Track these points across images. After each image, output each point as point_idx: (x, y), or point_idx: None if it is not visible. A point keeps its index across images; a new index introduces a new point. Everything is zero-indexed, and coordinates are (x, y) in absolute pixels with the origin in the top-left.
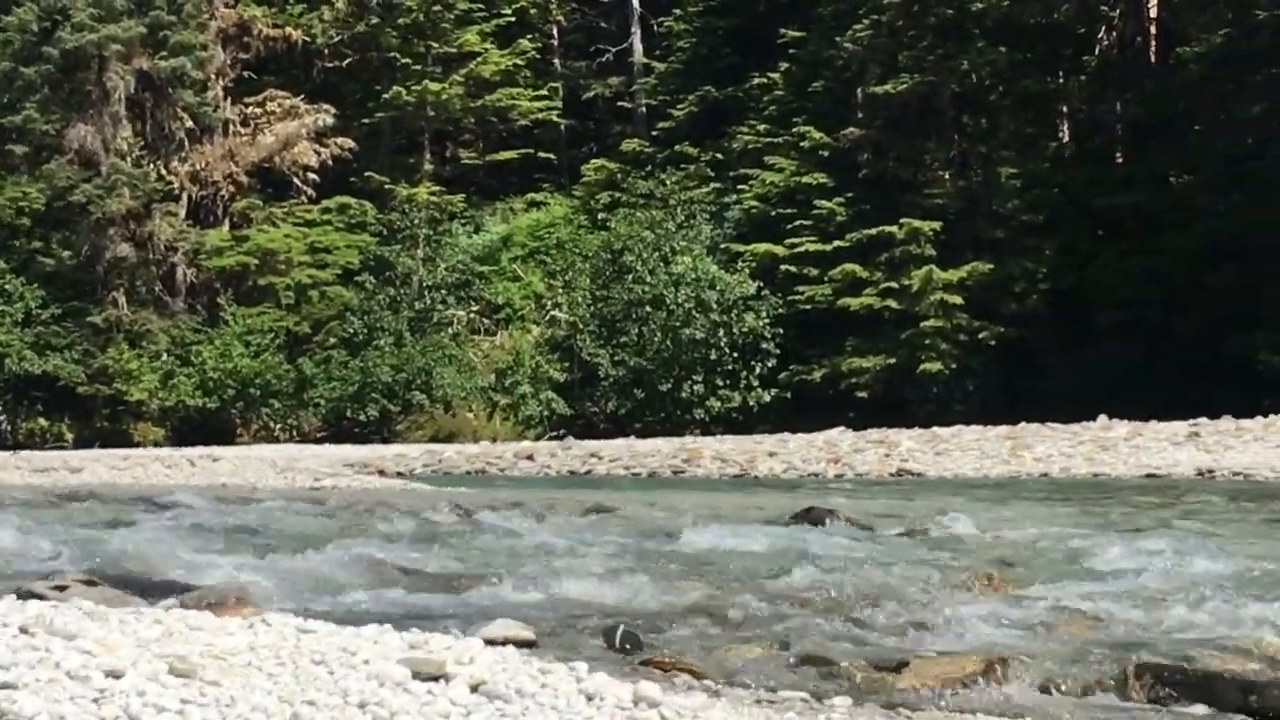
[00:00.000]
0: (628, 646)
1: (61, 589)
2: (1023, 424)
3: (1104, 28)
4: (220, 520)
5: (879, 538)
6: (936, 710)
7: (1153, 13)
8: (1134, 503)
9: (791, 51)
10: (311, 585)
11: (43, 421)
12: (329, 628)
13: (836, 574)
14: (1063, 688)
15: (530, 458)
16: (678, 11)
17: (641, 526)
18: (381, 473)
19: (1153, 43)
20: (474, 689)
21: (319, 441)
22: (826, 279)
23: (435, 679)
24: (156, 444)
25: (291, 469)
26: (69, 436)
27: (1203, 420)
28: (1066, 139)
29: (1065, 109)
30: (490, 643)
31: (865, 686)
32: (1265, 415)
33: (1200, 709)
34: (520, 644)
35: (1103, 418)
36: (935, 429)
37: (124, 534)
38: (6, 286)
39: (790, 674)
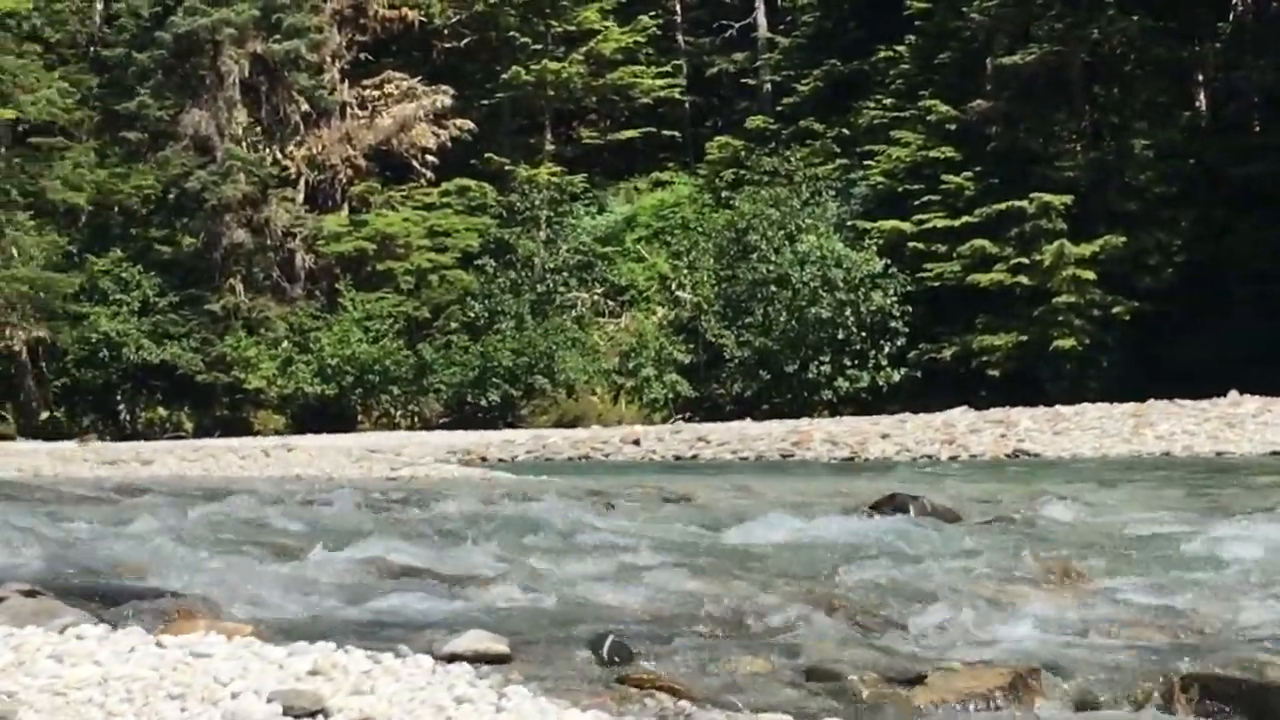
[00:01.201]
0: (616, 659)
1: None
2: (1150, 401)
3: None
4: (252, 515)
5: (961, 526)
6: None
7: None
8: (1253, 484)
9: (918, 23)
10: (300, 589)
11: (161, 411)
12: (236, 649)
13: (892, 570)
14: (1100, 702)
15: (636, 442)
16: None
17: (708, 517)
18: (483, 459)
19: None
20: None
21: (441, 428)
22: (955, 255)
23: (312, 714)
24: (277, 431)
25: (368, 459)
26: (188, 425)
27: None
28: (1202, 108)
29: (1200, 77)
30: (454, 658)
31: (872, 704)
32: None
33: None
34: (490, 659)
35: (1233, 393)
36: (1058, 407)
37: (139, 532)
38: (124, 275)
39: (789, 690)
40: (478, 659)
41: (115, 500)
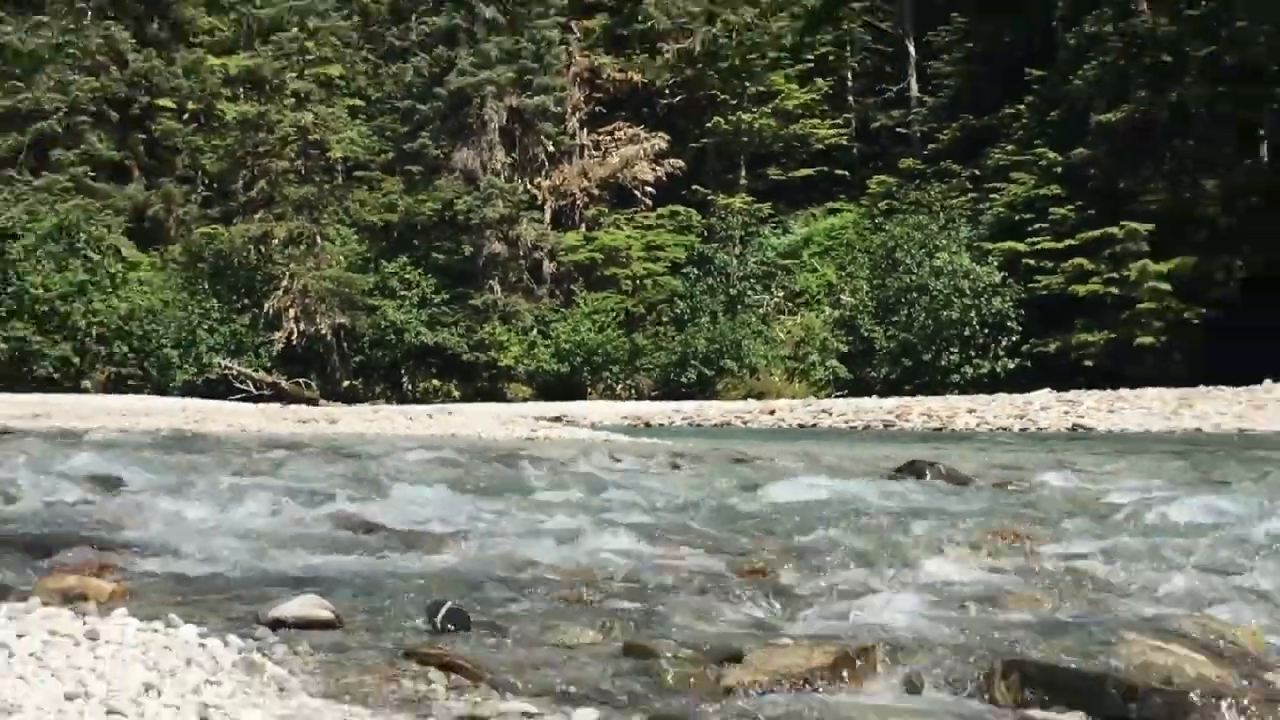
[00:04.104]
0: (450, 626)
1: None
2: (1201, 387)
3: None
4: (320, 470)
5: (961, 491)
6: None
7: None
8: (1253, 458)
9: (1034, 87)
10: (247, 544)
11: (435, 382)
12: None
13: (855, 531)
14: (922, 685)
15: (772, 413)
16: (945, 58)
17: (751, 478)
18: (646, 424)
19: None
20: None
21: (652, 399)
22: (1059, 270)
23: None
24: (524, 400)
25: (514, 422)
26: (456, 394)
27: None
28: (1264, 157)
29: (1262, 132)
30: (278, 624)
31: (676, 686)
32: None
33: (1072, 716)
34: (316, 625)
35: (1267, 381)
36: (1122, 390)
37: (189, 485)
38: (408, 276)
39: (592, 668)
40: (301, 625)
41: (260, 452)
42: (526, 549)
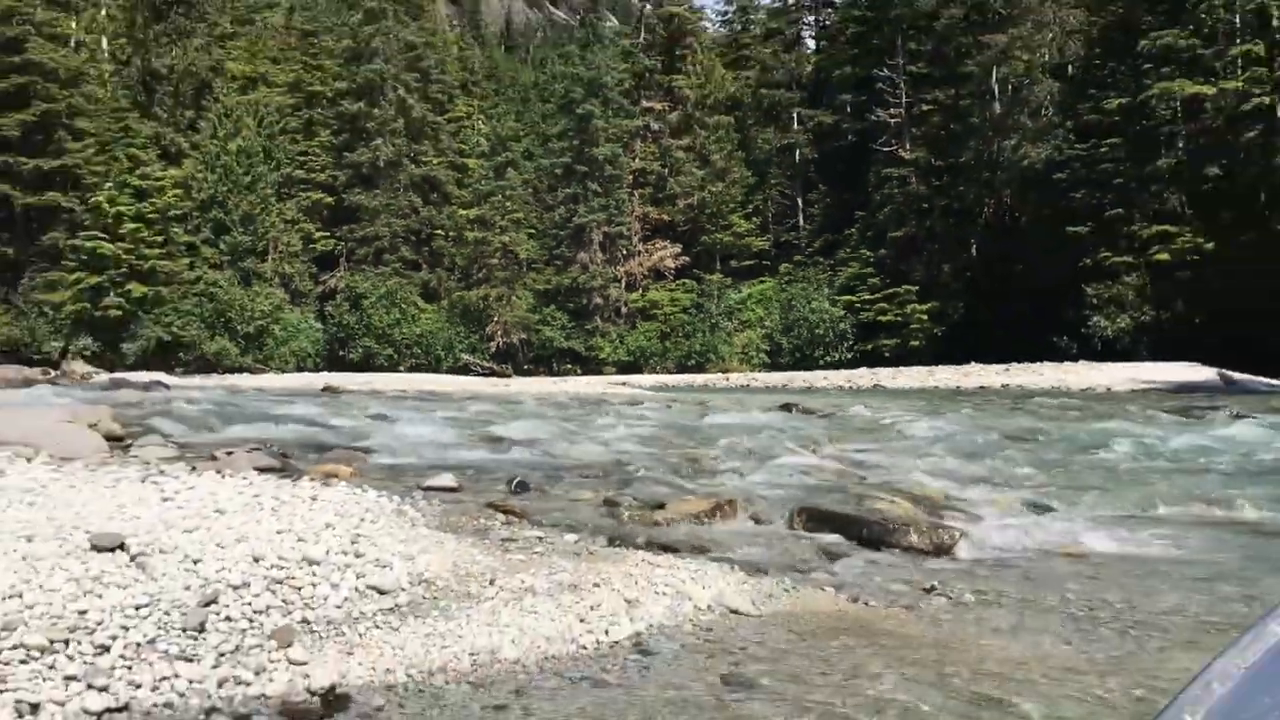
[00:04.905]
0: (519, 489)
1: (230, 453)
2: (939, 366)
3: (988, 204)
4: (486, 409)
5: (809, 418)
6: (623, 549)
7: (1007, 199)
8: (959, 401)
9: (858, 219)
10: (433, 448)
11: (569, 366)
12: (253, 486)
13: (748, 438)
14: (759, 521)
15: (728, 380)
16: (816, 206)
17: (705, 411)
18: (668, 386)
19: (1007, 213)
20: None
21: (676, 373)
22: (872, 309)
23: (111, 550)
24: (611, 374)
25: (597, 385)
26: (578, 372)
27: (1014, 364)
28: (975, 254)
29: (974, 243)
30: (428, 490)
31: (628, 520)
32: (1043, 361)
33: (833, 537)
34: (448, 489)
35: (972, 363)
36: (901, 368)
37: (416, 417)
38: (555, 315)
39: (586, 511)
40: (438, 490)
41: (462, 400)
42: (575, 448)
